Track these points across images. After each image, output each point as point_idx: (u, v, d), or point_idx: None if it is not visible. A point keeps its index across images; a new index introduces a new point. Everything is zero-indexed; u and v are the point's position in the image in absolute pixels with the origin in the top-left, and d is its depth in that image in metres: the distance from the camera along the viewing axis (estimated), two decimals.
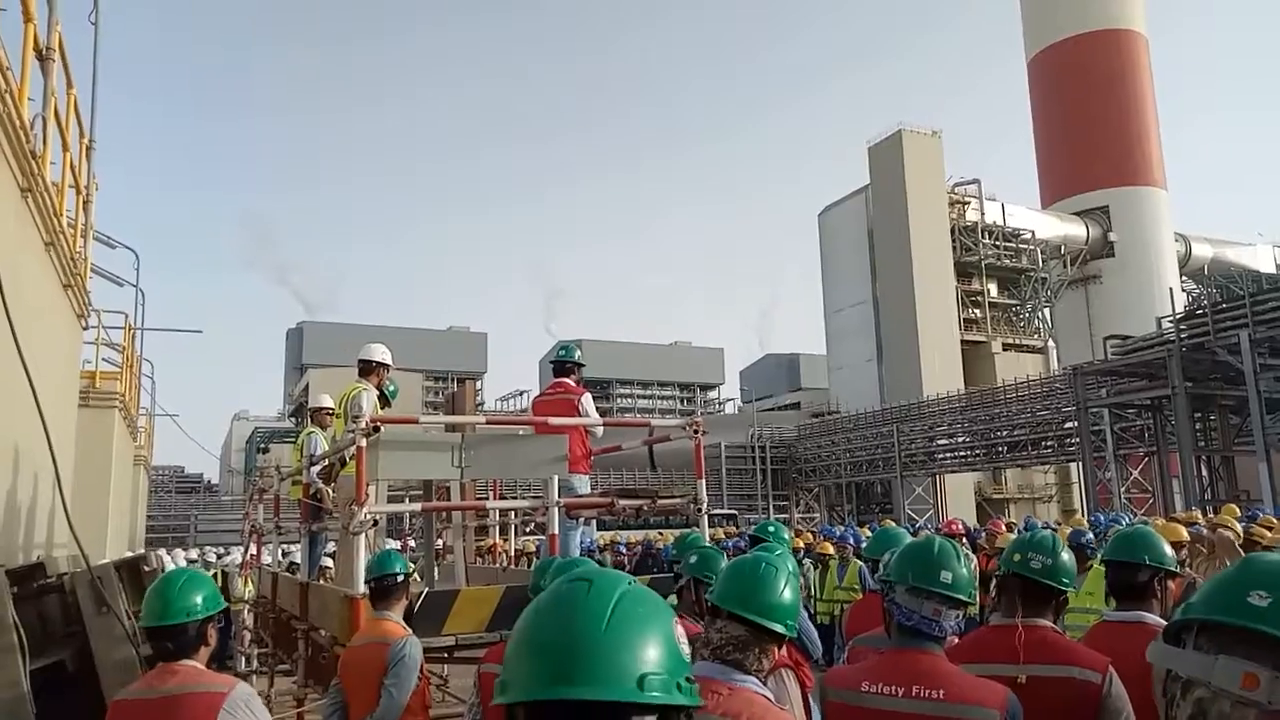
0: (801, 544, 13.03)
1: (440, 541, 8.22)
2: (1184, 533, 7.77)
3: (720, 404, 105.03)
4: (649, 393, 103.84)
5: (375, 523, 5.25)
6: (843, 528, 14.31)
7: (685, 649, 1.10)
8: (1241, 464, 28.87)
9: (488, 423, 5.92)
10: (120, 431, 17.44)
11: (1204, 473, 28.95)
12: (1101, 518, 14.83)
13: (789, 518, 48.49)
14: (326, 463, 6.80)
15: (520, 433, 6.34)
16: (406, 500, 7.65)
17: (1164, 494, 30.10)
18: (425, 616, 4.60)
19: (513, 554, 8.83)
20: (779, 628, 2.11)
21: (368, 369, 6.77)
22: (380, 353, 6.83)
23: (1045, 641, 2.58)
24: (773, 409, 66.92)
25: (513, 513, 8.59)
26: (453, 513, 6.44)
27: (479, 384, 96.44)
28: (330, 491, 6.97)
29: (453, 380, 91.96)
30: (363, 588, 4.89)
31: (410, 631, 4.08)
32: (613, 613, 1.04)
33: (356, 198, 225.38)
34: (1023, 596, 2.69)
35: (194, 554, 20.55)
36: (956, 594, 2.32)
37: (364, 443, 4.85)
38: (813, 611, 10.80)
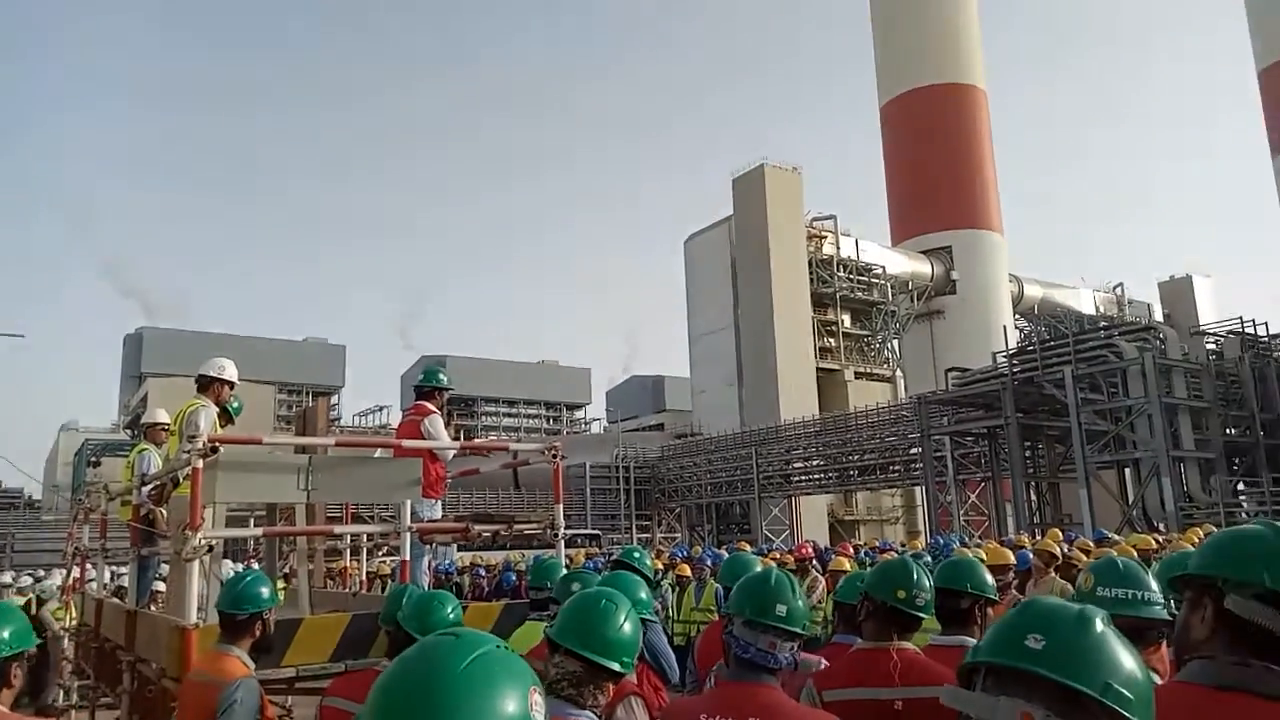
0: (661, 565, 13.17)
1: (285, 566, 7.86)
2: (1011, 556, 8.32)
3: (586, 424, 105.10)
4: (514, 411, 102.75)
5: (210, 549, 4.96)
6: (699, 549, 14.56)
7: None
8: (1065, 489, 31.25)
9: (338, 444, 5.70)
10: None
11: (1033, 497, 31.15)
12: (940, 540, 15.71)
13: (651, 537, 48.93)
14: (159, 483, 6.39)
15: (377, 454, 6.16)
16: (251, 522, 7.26)
17: (998, 517, 32.17)
18: (263, 647, 4.36)
19: (364, 578, 8.54)
20: (615, 665, 2.13)
21: (207, 384, 6.41)
22: (220, 367, 6.48)
23: (915, 664, 2.72)
24: (638, 430, 67.51)
25: (365, 535, 8.30)
26: (298, 536, 6.17)
27: (336, 399, 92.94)
28: (163, 514, 6.56)
29: (307, 394, 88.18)
30: (195, 617, 4.61)
31: (252, 669, 3.76)
32: (466, 682, 1.03)
33: (213, 201, 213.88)
34: (888, 622, 2.83)
35: (7, 577, 18.75)
36: (791, 627, 2.41)
37: (200, 463, 4.59)
38: (670, 633, 10.94)
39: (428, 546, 6.92)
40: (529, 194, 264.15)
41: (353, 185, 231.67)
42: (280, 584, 6.83)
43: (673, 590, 11.27)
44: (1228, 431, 27.84)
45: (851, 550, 12.76)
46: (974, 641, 3.01)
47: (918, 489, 40.84)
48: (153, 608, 7.62)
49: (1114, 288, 69.35)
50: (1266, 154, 72.41)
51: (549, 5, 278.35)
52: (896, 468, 39.18)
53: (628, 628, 2.20)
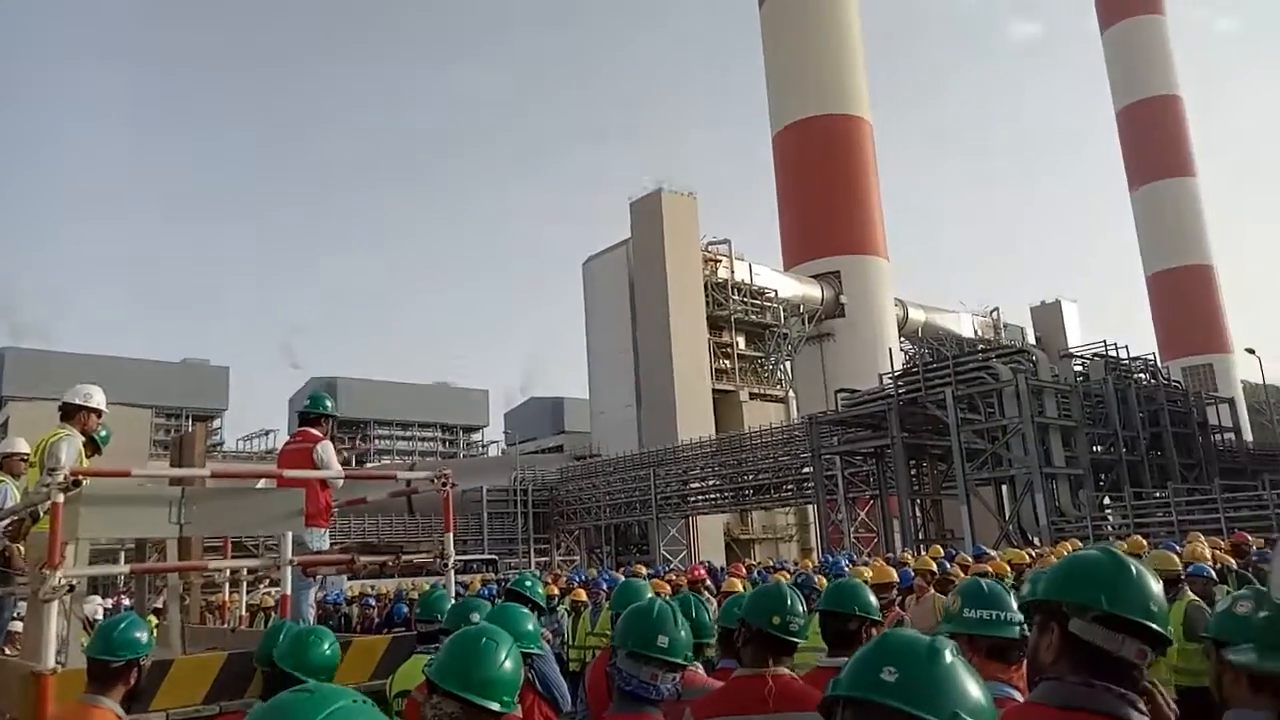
0: (556, 590, 13.07)
1: (159, 602, 7.45)
2: (894, 575, 8.63)
3: (484, 446, 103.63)
4: (409, 434, 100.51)
5: (72, 588, 4.67)
6: (594, 571, 14.52)
7: None
8: (948, 506, 32.54)
9: (214, 475, 5.46)
10: None
11: (917, 514, 32.31)
12: (830, 558, 16.13)
13: (550, 560, 48.52)
14: (16, 518, 5.97)
15: (260, 484, 5.92)
16: (123, 558, 6.86)
17: (885, 533, 33.23)
18: (134, 695, 4.09)
19: (244, 612, 8.17)
20: (495, 705, 2.12)
21: (73, 412, 6.05)
22: (86, 394, 6.13)
23: (790, 689, 2.77)
24: (537, 452, 66.98)
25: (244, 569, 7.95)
26: (170, 573, 5.86)
27: (218, 422, 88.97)
28: (19, 550, 6.13)
29: (187, 417, 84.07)
30: (53, 662, 4.32)
31: (122, 718, 3.47)
32: None
33: (85, 215, 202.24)
34: (765, 647, 2.88)
35: None
36: (673, 658, 2.44)
37: (60, 497, 4.32)
38: (566, 659, 10.85)
39: (313, 578, 6.68)
40: (424, 213, 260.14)
41: (241, 198, 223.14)
42: (151, 620, 6.47)
43: (568, 615, 11.20)
44: (1094, 449, 29.58)
45: (744, 570, 12.95)
46: (904, 630, 3.10)
47: (810, 507, 41.79)
48: (9, 651, 7.10)
49: (990, 312, 72.96)
50: (1125, 188, 78.11)
51: (461, 28, 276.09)
52: (790, 487, 40.03)
53: (508, 665, 2.18)
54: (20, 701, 4.45)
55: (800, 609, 3.00)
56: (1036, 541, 23.88)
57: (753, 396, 52.96)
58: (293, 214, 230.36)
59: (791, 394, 55.43)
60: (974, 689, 1.36)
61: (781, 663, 2.89)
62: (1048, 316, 72.41)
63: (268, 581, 14.28)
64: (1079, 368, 32.03)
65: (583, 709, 4.33)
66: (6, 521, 6.17)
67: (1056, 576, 1.93)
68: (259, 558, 6.95)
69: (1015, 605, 2.84)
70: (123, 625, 3.48)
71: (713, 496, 43.44)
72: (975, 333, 68.51)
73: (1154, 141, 74.88)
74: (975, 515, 28.47)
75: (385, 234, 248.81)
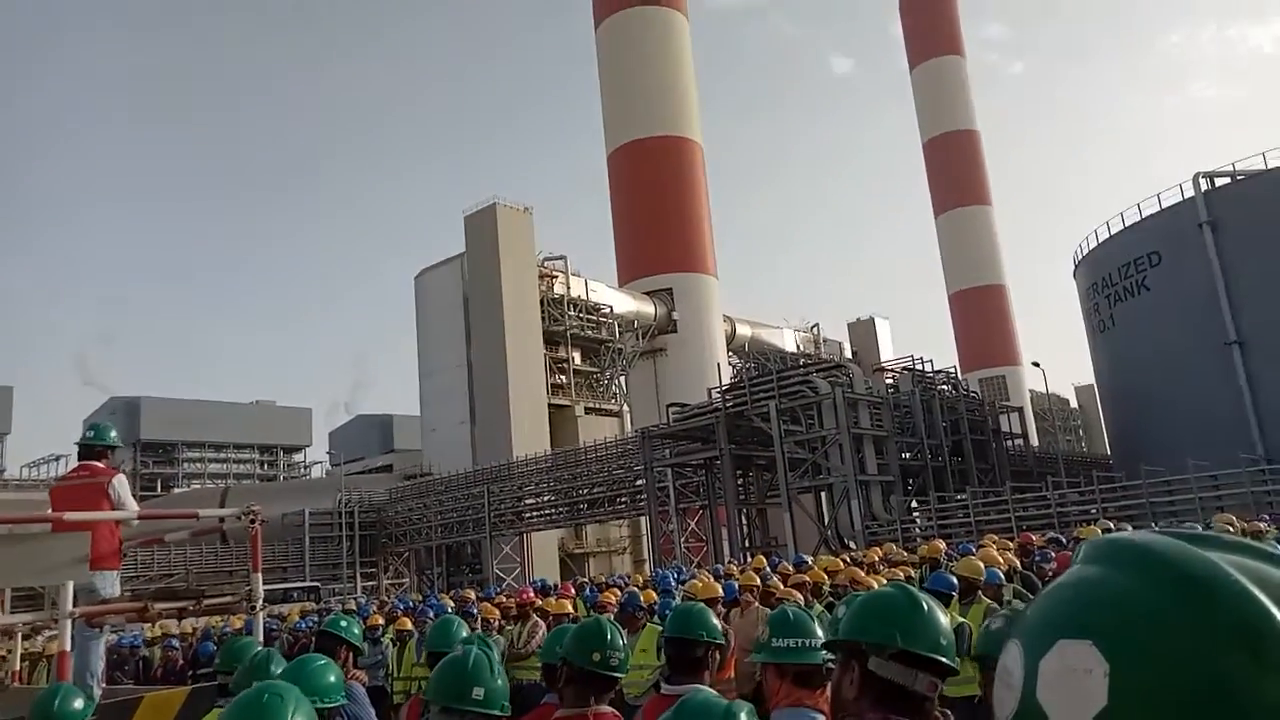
0: (381, 620, 12.58)
1: None
2: (719, 589, 8.87)
3: (307, 467, 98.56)
4: (224, 456, 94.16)
5: None
6: (419, 599, 14.09)
7: None
8: (772, 514, 33.88)
9: None
10: None
11: (744, 523, 33.44)
12: (660, 572, 16.40)
13: (378, 584, 46.71)
14: None
15: (33, 530, 5.34)
16: None
17: (714, 542, 34.16)
18: None
19: (16, 667, 7.34)
20: None
21: None
22: None
23: None
24: (364, 472, 64.39)
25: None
26: None
27: (0, 447, 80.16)
28: None
29: None
30: None
31: None
32: None
33: None
34: (586, 685, 2.85)
35: None
36: (488, 710, 2.39)
37: None
38: (390, 691, 10.46)
39: (102, 629, 6.10)
40: (245, 223, 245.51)
41: (38, 196, 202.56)
42: None
43: (393, 645, 10.82)
44: (903, 456, 31.66)
45: (574, 590, 12.95)
46: (707, 689, 3.14)
47: (643, 519, 42.38)
48: None
49: (811, 327, 76.80)
50: (930, 214, 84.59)
51: (298, 38, 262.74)
52: (623, 499, 40.46)
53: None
54: None
55: (620, 643, 3.01)
56: (852, 545, 25.26)
57: (588, 411, 53.23)
58: (98, 218, 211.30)
59: (626, 408, 56.13)
60: None
61: (603, 700, 2.89)
62: (863, 332, 77.04)
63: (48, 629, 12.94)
64: (890, 381, 34.23)
65: None
66: None
67: (853, 616, 2.03)
68: (37, 608, 6.30)
69: (819, 632, 2.97)
70: None
71: (548, 512, 43.25)
72: (798, 347, 71.82)
73: (955, 171, 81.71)
74: (797, 522, 29.80)
75: (202, 243, 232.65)
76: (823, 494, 31.82)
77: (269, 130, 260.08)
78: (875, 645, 1.93)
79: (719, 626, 3.39)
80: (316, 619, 15.37)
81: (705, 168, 60.07)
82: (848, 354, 71.64)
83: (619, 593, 11.75)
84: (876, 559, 12.77)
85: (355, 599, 30.81)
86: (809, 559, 14.63)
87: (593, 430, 48.87)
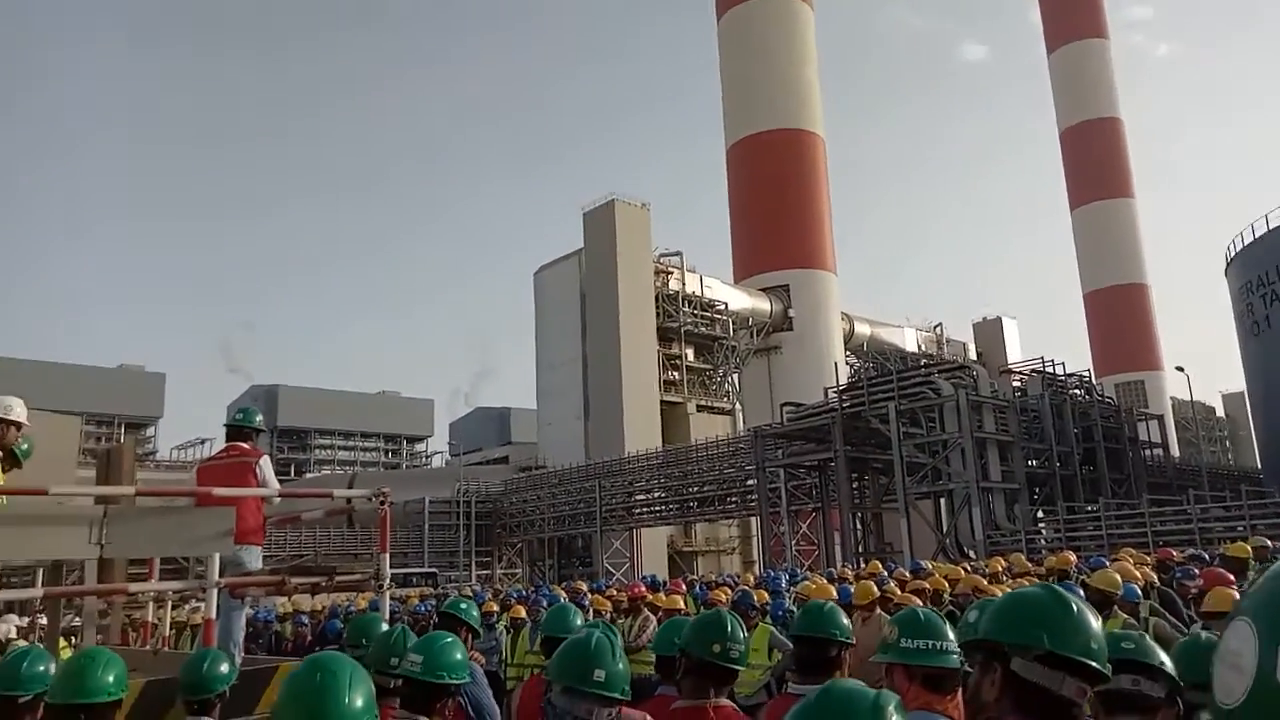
0: (495, 607, 12.89)
1: (75, 622, 7.15)
2: (834, 592, 8.69)
3: (428, 457, 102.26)
4: (351, 444, 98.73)
5: None
6: (533, 589, 14.35)
7: None
8: (888, 519, 33.01)
9: (139, 494, 5.25)
10: None
11: (858, 527, 32.69)
12: (771, 573, 16.21)
13: (491, 573, 48.02)
14: None
15: (182, 504, 5.70)
16: (40, 578, 6.56)
17: (827, 547, 33.55)
18: None
19: (166, 633, 7.87)
20: None
21: None
22: (6, 407, 5.85)
23: None
24: (481, 463, 66.35)
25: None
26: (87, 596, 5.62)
27: (152, 430, 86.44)
28: None
29: (120, 425, 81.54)
30: None
31: None
32: None
33: (14, 214, 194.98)
34: (705, 677, 2.81)
35: None
36: (609, 692, 2.39)
37: None
38: (504, 677, 10.69)
39: (243, 601, 6.47)
40: (374, 218, 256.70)
41: (179, 201, 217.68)
42: (63, 644, 6.19)
43: (507, 633, 11.05)
44: (1029, 463, 30.28)
45: (684, 586, 12.93)
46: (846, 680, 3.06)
47: (753, 520, 42.02)
48: None
49: (934, 327, 74.42)
50: (1066, 207, 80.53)
51: (424, 41, 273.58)
52: (734, 499, 40.22)
53: (359, 700, 2.07)
54: None
55: (741, 635, 2.96)
56: (972, 555, 24.33)
57: (700, 409, 53.16)
58: (238, 215, 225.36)
59: (738, 406, 55.78)
60: None
61: (722, 692, 2.86)
62: (989, 332, 74.11)
63: (195, 599, 13.83)
64: (1017, 383, 32.79)
65: None
66: None
67: (998, 616, 1.93)
68: (184, 579, 6.71)
69: (951, 634, 2.84)
70: (26, 659, 3.28)
71: (658, 509, 43.44)
72: (919, 347, 69.75)
73: (1094, 162, 77.41)
74: (914, 529, 28.90)
75: (335, 241, 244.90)
76: (942, 500, 30.77)
77: (398, 128, 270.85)
78: (1019, 646, 1.83)
79: (849, 627, 3.30)
80: (435, 603, 15.90)
81: (827, 162, 59.02)
82: (972, 355, 69.05)
83: (729, 591, 11.67)
84: (1000, 569, 12.24)
85: (470, 586, 31.76)
86: (927, 565, 14.16)
87: (704, 428, 48.79)
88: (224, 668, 3.79)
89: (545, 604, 10.92)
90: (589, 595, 12.52)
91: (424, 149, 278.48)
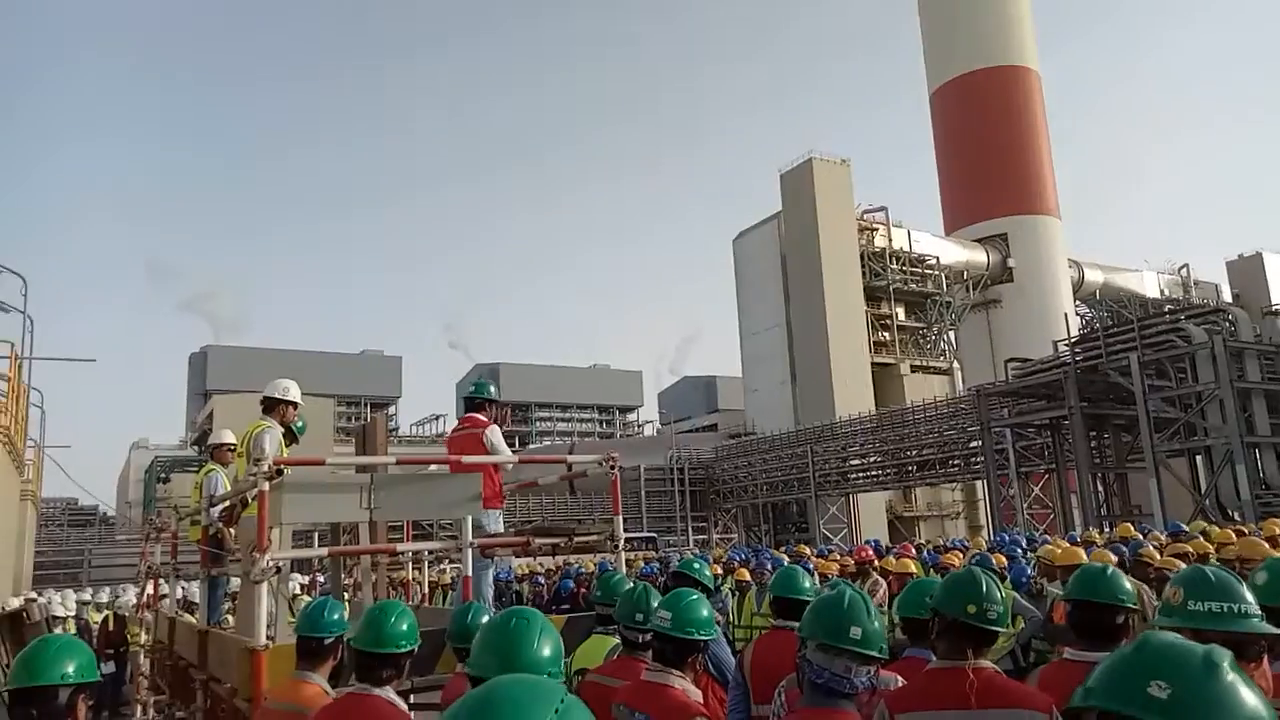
0: (719, 570, 13.08)
1: (350, 580, 7.97)
2: (1083, 555, 8.07)
3: (639, 426, 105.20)
4: (568, 415, 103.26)
5: (278, 570, 5.04)
6: (750, 551, 14.40)
7: None
8: (1134, 479, 30.34)
9: (400, 462, 5.75)
10: (4, 464, 16.41)
11: (1099, 489, 30.28)
12: (1006, 537, 15.34)
13: (707, 538, 48.82)
14: (228, 504, 6.52)
15: (431, 470, 6.20)
16: (316, 540, 7.39)
17: (1063, 510, 31.36)
18: (336, 672, 4.21)
19: (425, 590, 8.62)
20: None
21: (272, 405, 6.53)
22: (284, 389, 6.59)
23: (993, 684, 2.60)
24: (690, 431, 67.37)
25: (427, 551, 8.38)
26: (362, 555, 6.25)
27: (393, 409, 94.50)
28: (231, 534, 6.70)
29: (366, 405, 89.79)
30: (264, 639, 4.68)
31: (329, 693, 3.50)
32: None
33: (267, 220, 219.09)
34: (962, 638, 2.70)
35: (86, 595, 19.42)
36: (867, 650, 2.34)
37: (266, 486, 4.67)
38: (731, 639, 10.85)
39: (491, 559, 6.95)
40: (574, 203, 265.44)
41: (400, 202, 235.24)
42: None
43: (732, 595, 11.18)
44: None
45: (914, 550, 12.51)
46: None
47: (979, 483, 40.05)
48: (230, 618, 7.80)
49: (1179, 269, 67.29)
50: None
51: (594, 14, 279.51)
52: (956, 462, 38.46)
53: (546, 649, 2.15)
54: (238, 674, 4.86)
55: (999, 595, 2.80)
56: (1237, 517, 21.87)
57: (914, 369, 51.17)
58: (448, 197, 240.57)
59: (956, 365, 53.17)
60: (1260, 707, 1.17)
61: (981, 654, 2.72)
62: (1247, 271, 65.83)
63: (447, 560, 15.05)
64: None
65: (735, 691, 4.26)
66: (221, 508, 6.74)
67: None
68: (437, 540, 7.29)
69: (1250, 596, 2.55)
70: (326, 606, 3.69)
71: (874, 473, 42.32)
72: (1161, 292, 63.48)
73: None
74: (1165, 489, 26.40)
75: (528, 218, 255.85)
76: (1197, 458, 27.85)
77: (587, 97, 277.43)
78: None
79: (1132, 591, 3.05)
80: (658, 565, 16.38)
81: (1044, 96, 54.51)
82: (1226, 297, 61.80)
83: (961, 555, 11.16)
84: (1278, 531, 10.90)
85: (691, 550, 32.48)
86: (1186, 528, 12.87)
87: (919, 389, 46.86)
88: (486, 619, 4.09)
89: (770, 568, 10.95)
90: (812, 559, 12.42)
91: (615, 123, 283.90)
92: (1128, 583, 3.06)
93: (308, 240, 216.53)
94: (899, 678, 3.13)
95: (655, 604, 3.35)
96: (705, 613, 3.14)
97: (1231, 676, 1.19)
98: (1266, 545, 8.41)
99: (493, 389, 7.03)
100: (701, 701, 3.12)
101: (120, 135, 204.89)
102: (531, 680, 1.12)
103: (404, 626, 3.36)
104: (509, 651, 2.11)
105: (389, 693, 3.24)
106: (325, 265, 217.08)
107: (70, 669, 2.63)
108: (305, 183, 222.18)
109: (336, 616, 3.64)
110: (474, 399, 7.01)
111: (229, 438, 8.12)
